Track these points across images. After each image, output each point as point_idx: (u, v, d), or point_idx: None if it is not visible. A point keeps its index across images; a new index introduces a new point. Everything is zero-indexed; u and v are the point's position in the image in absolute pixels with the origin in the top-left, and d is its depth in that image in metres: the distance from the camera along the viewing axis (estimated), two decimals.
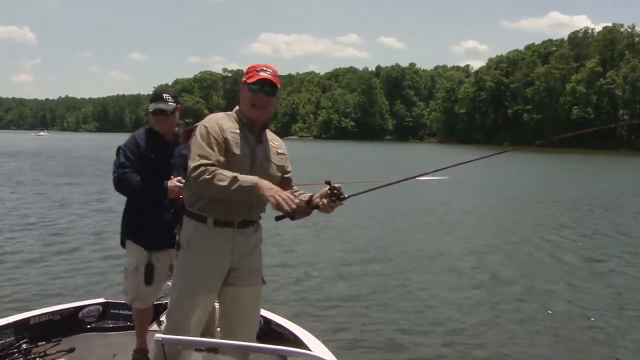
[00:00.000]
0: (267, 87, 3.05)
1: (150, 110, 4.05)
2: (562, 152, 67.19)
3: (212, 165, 2.88)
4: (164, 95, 4.08)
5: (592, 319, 7.19)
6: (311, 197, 3.13)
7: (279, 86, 3.11)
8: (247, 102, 3.08)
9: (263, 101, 3.06)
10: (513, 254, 11.03)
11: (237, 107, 3.18)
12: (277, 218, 3.17)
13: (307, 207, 3.11)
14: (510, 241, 12.29)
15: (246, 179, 2.83)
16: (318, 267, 9.73)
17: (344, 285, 8.63)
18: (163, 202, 3.90)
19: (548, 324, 7.02)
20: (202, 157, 2.91)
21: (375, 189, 3.21)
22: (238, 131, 3.01)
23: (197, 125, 3.08)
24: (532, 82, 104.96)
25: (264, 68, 3.07)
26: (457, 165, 3.34)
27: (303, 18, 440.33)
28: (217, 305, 3.29)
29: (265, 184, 2.85)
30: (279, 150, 3.26)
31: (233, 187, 2.81)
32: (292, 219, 3.16)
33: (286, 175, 3.30)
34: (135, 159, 3.89)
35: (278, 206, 2.80)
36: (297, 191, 3.26)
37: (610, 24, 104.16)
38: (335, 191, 2.97)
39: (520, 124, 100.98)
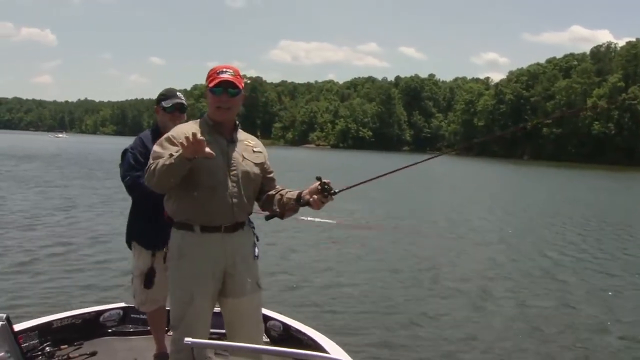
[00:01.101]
0: (230, 88, 3.08)
1: (167, 106, 3.94)
2: (583, 168, 66.52)
3: (156, 162, 2.93)
4: (177, 93, 4.06)
5: (603, 343, 7.14)
6: (299, 194, 3.14)
7: (241, 86, 3.13)
8: (211, 106, 3.13)
9: (227, 102, 3.10)
10: (527, 271, 10.96)
11: (205, 115, 3.23)
12: (267, 218, 3.23)
13: (296, 204, 3.12)
14: (525, 258, 12.22)
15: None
16: (337, 272, 9.86)
17: (364, 291, 8.73)
18: None
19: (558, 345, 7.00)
20: (154, 159, 2.98)
21: (361, 183, 3.21)
22: (206, 135, 2.99)
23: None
24: (552, 96, 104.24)
25: (224, 69, 3.11)
26: (390, 172, 3.30)
27: (323, 26, 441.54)
28: None
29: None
30: (255, 149, 3.27)
31: (167, 161, 2.83)
32: (281, 217, 3.20)
33: (269, 175, 3.32)
34: (144, 161, 3.71)
35: (188, 149, 2.74)
36: (284, 189, 3.28)
37: (633, 39, 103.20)
38: (325, 186, 3.00)
39: (540, 138, 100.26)
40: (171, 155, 2.86)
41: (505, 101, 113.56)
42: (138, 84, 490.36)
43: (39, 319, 4.33)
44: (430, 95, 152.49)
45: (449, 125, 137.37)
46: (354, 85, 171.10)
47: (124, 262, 9.46)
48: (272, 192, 3.29)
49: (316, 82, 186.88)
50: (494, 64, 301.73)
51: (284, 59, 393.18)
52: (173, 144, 3.00)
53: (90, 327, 4.47)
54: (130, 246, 4.09)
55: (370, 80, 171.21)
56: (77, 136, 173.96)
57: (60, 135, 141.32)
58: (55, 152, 55.88)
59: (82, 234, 12.18)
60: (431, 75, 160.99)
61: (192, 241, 3.05)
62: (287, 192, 3.23)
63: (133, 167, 3.81)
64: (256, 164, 3.22)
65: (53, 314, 4.54)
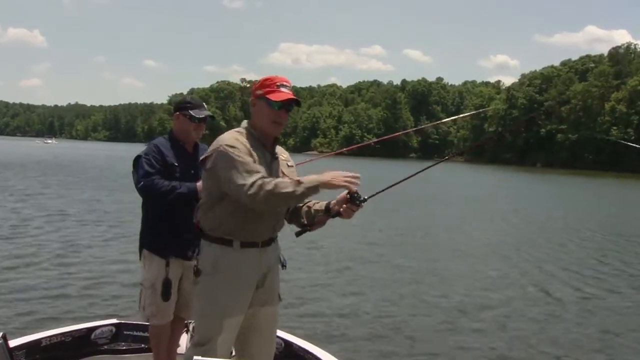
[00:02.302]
0: (291, 105, 3.12)
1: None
2: (600, 176, 66.46)
3: (264, 177, 2.88)
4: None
5: None
6: (328, 205, 3.16)
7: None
8: (267, 118, 3.09)
9: (284, 118, 3.13)
10: (539, 286, 10.91)
11: (244, 123, 3.19)
12: (298, 233, 3.24)
13: (325, 216, 3.16)
14: (538, 272, 12.18)
15: (307, 178, 2.86)
16: (339, 288, 9.83)
17: (367, 307, 8.70)
18: (193, 204, 3.71)
19: None
20: (250, 172, 2.88)
21: (389, 187, 3.20)
22: (255, 150, 3.02)
23: (215, 150, 3.02)
24: (568, 100, 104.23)
25: (285, 83, 3.09)
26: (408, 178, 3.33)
27: (325, 28, 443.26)
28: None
29: (323, 176, 2.87)
30: (289, 163, 3.31)
31: (299, 192, 2.82)
32: (311, 230, 3.23)
33: None
34: (160, 167, 3.90)
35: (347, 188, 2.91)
36: (310, 201, 3.29)
37: None
38: (355, 195, 3.03)
39: (554, 145, 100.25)
40: (299, 182, 2.84)
41: (517, 105, 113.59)
42: (132, 88, 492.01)
43: (27, 336, 4.30)
44: (439, 99, 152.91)
45: (458, 131, 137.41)
46: (358, 89, 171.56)
47: (116, 274, 9.48)
48: (300, 204, 3.32)
49: (319, 86, 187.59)
50: (504, 67, 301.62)
51: (284, 61, 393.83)
52: (249, 154, 2.97)
53: (80, 345, 4.45)
54: (140, 255, 4.10)
55: (376, 84, 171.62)
56: (67, 142, 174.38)
57: (49, 141, 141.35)
58: (47, 158, 55.96)
59: (70, 245, 12.11)
60: (439, 79, 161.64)
61: (230, 257, 3.06)
62: (314, 204, 3.25)
63: (149, 172, 3.88)
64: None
65: (42, 330, 4.52)
